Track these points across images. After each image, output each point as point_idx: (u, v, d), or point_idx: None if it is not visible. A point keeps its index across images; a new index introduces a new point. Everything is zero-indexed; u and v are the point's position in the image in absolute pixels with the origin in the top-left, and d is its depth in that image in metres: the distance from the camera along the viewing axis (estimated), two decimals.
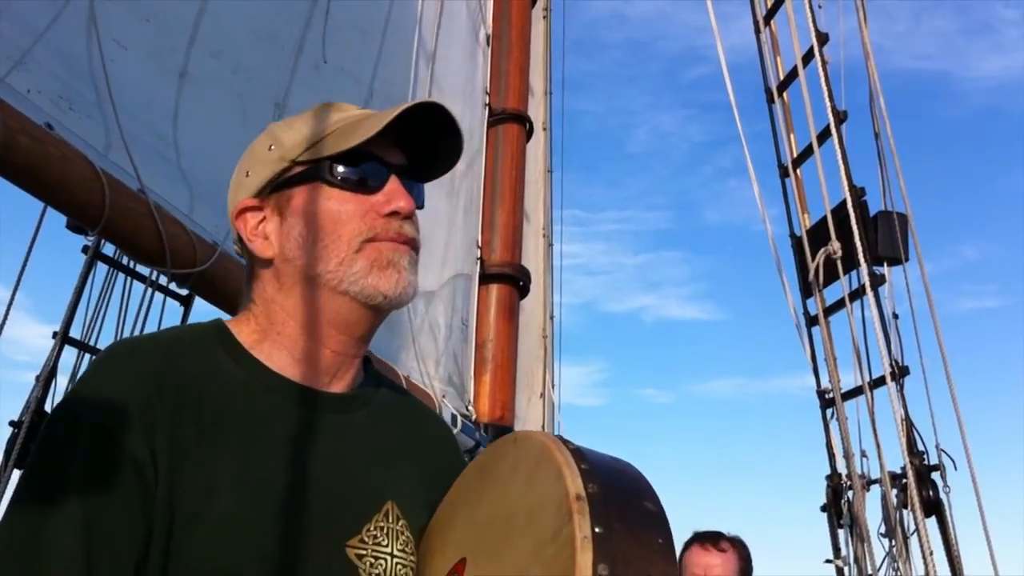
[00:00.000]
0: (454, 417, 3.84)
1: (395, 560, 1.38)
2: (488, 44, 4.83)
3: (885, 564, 4.95)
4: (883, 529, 4.98)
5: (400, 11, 3.90)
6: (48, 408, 4.20)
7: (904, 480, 4.86)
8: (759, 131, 5.85)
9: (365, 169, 1.43)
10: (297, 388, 1.41)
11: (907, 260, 5.18)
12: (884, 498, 4.95)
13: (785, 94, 5.80)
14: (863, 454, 5.09)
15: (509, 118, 4.62)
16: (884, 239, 5.11)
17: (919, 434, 4.96)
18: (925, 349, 5.13)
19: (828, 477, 5.36)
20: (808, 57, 5.42)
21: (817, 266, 5.16)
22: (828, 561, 5.26)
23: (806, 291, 5.48)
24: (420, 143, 1.49)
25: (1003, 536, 5.01)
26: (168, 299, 4.57)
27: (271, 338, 1.43)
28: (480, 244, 4.46)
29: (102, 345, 4.48)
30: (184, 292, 4.39)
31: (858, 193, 5.08)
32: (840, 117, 5.21)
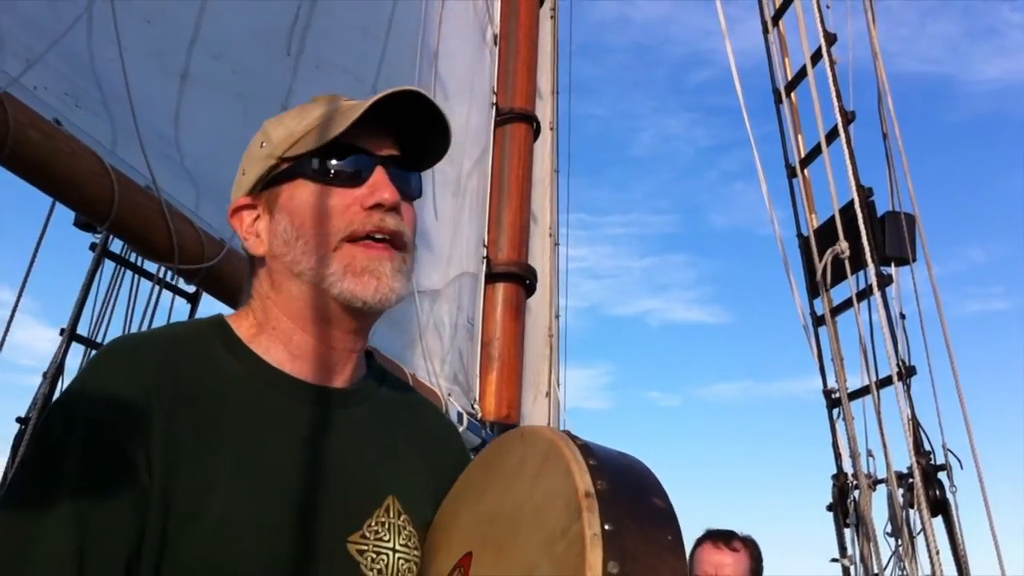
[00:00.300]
0: (460, 415, 3.84)
1: (397, 555, 1.38)
2: (495, 44, 4.83)
3: (891, 563, 4.93)
4: (889, 528, 4.96)
5: (404, 11, 3.90)
6: None
7: (910, 479, 4.84)
8: (765, 133, 5.85)
9: (349, 162, 1.41)
10: (296, 383, 1.41)
11: (915, 260, 5.16)
12: (890, 497, 4.94)
13: (793, 95, 5.79)
14: (869, 454, 5.08)
15: (516, 118, 4.62)
16: (892, 239, 5.10)
17: (925, 434, 4.94)
18: (932, 349, 5.12)
19: (834, 477, 5.34)
20: (816, 57, 5.41)
21: (825, 266, 5.15)
22: (834, 560, 5.25)
23: (813, 291, 5.47)
24: (415, 132, 1.47)
25: (1009, 536, 4.99)
26: (176, 297, 4.60)
27: (267, 333, 1.43)
28: (487, 243, 4.46)
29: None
30: (191, 289, 4.42)
31: (866, 193, 5.07)
32: (848, 117, 5.20)
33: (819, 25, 5.37)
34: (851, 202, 5.11)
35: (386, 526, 1.38)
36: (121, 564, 1.20)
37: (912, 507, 4.84)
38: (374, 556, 1.35)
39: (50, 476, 1.22)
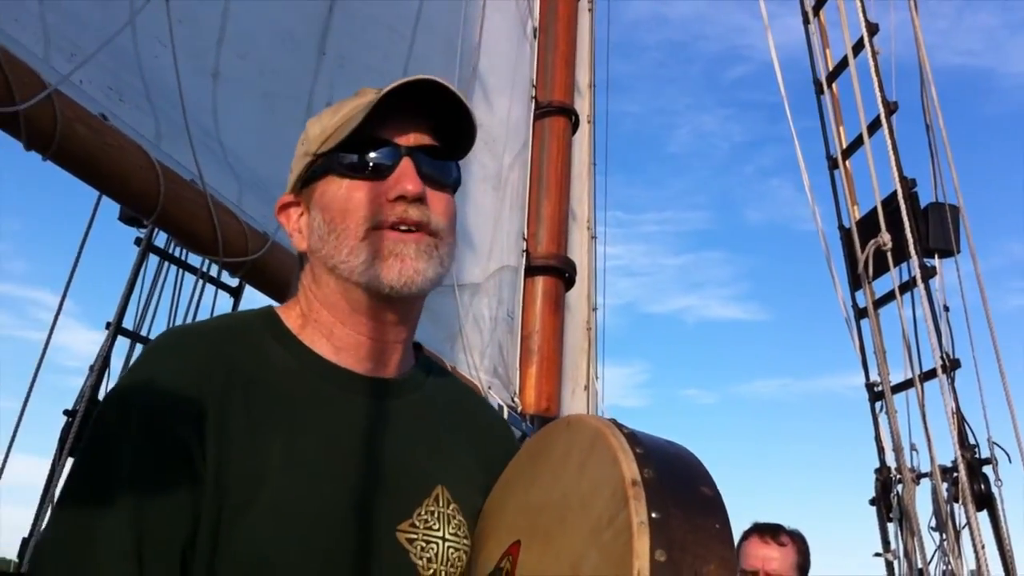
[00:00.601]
0: (500, 408, 3.85)
1: (447, 544, 1.39)
2: (535, 37, 4.83)
3: (936, 558, 4.88)
4: (933, 523, 4.91)
5: (434, 7, 3.88)
6: (101, 397, 4.28)
7: (955, 473, 4.79)
8: (801, 128, 5.78)
9: (376, 154, 1.42)
10: (345, 373, 1.42)
11: (959, 252, 5.10)
12: (935, 492, 4.88)
13: (834, 85, 5.73)
14: (913, 447, 5.02)
15: (555, 111, 4.62)
16: (935, 231, 5.03)
17: (970, 427, 4.88)
18: (976, 342, 5.05)
19: (877, 471, 5.28)
20: (858, 47, 5.35)
21: (867, 257, 5.09)
22: (877, 555, 5.20)
23: (855, 284, 5.41)
24: (450, 122, 1.47)
25: None
26: (219, 290, 4.65)
27: (311, 325, 1.45)
28: (526, 236, 4.46)
29: (154, 335, 4.56)
30: (234, 283, 4.47)
31: (909, 184, 5.01)
32: (891, 108, 5.14)
33: (861, 15, 5.31)
34: (893, 193, 5.05)
35: (435, 515, 1.39)
36: (178, 552, 1.22)
37: (957, 501, 4.79)
38: (423, 545, 1.36)
39: (106, 468, 1.24)
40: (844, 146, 5.61)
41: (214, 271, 4.46)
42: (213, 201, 2.51)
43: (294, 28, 3.09)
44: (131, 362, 4.39)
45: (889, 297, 5.17)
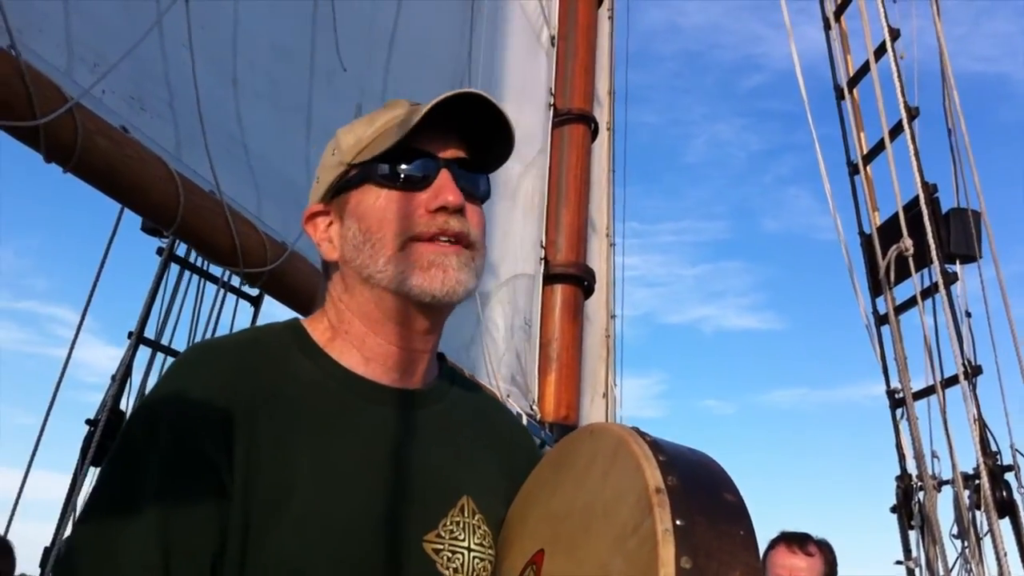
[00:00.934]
0: (519, 416, 3.85)
1: (472, 554, 1.39)
2: (552, 45, 4.83)
3: (957, 566, 4.85)
4: (955, 530, 4.88)
5: (409, 17, 3.83)
6: (123, 407, 4.31)
7: (977, 480, 4.76)
8: (820, 136, 5.76)
9: (415, 165, 1.42)
10: (371, 385, 1.42)
11: (980, 257, 5.07)
12: (956, 499, 4.85)
13: (855, 91, 5.71)
14: (934, 455, 4.99)
15: (575, 119, 4.62)
16: (957, 236, 5.01)
17: (992, 434, 4.85)
18: (998, 348, 5.02)
19: (898, 478, 5.25)
20: (880, 52, 5.33)
21: (888, 263, 5.07)
22: (899, 563, 5.17)
23: (875, 290, 5.39)
24: (481, 134, 1.48)
25: None
26: (239, 300, 4.67)
27: (341, 337, 1.45)
28: (544, 244, 4.46)
29: (175, 345, 4.60)
30: (254, 292, 4.48)
31: (931, 190, 4.99)
32: (912, 113, 5.12)
33: (883, 20, 5.29)
34: (915, 199, 5.03)
35: (461, 525, 1.39)
36: (206, 565, 1.22)
37: (978, 508, 4.76)
38: (449, 555, 1.36)
39: (135, 480, 1.24)
40: (865, 151, 5.59)
41: (235, 281, 4.48)
42: (232, 211, 2.53)
43: (287, 40, 3.10)
44: (153, 372, 4.46)
45: (910, 303, 5.14)
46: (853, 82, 5.71)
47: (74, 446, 4.24)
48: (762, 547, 3.82)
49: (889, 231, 5.21)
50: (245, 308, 4.74)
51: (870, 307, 5.46)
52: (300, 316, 1.55)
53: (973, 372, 4.87)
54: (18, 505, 4.14)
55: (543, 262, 4.45)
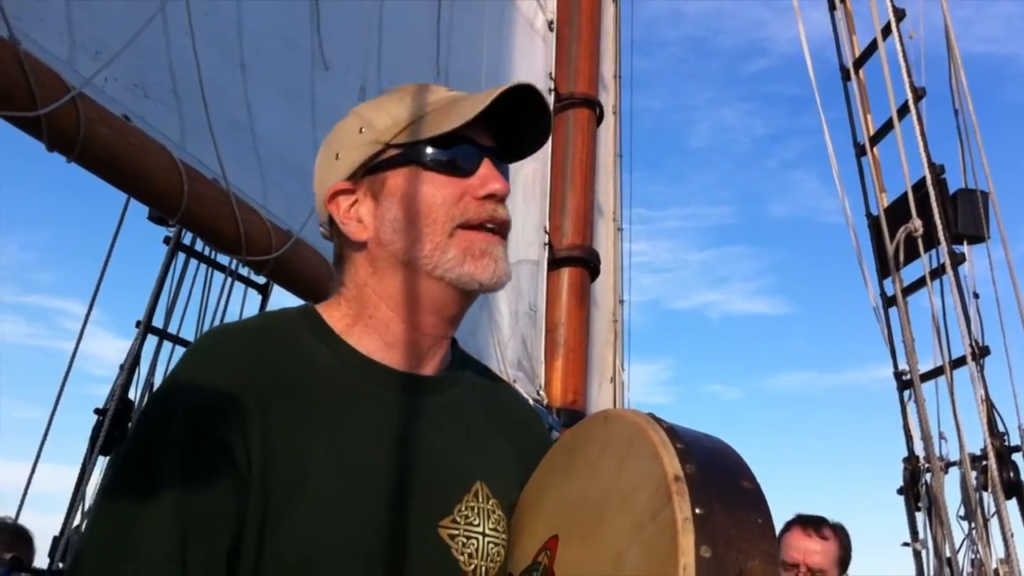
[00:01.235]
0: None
1: (487, 539, 1.39)
2: (550, 30, 4.80)
3: (964, 547, 4.85)
4: (962, 512, 4.87)
5: (396, 10, 3.82)
6: (132, 396, 4.32)
7: (984, 462, 4.75)
8: (826, 119, 5.73)
9: (459, 152, 1.42)
10: (388, 371, 1.42)
11: (989, 238, 5.05)
12: (963, 480, 4.85)
13: (861, 72, 5.68)
14: (941, 436, 4.98)
15: (579, 103, 4.59)
16: (965, 217, 4.98)
17: (1000, 415, 4.84)
18: (1007, 329, 5.00)
19: (905, 460, 5.24)
20: (885, 33, 5.30)
21: (897, 244, 5.05)
22: (906, 544, 5.17)
23: (882, 272, 5.37)
24: (506, 126, 1.47)
25: None
26: (247, 288, 4.67)
27: (363, 322, 1.44)
28: (548, 229, 4.44)
29: (183, 334, 4.60)
30: (262, 281, 4.48)
31: (937, 170, 4.96)
32: (919, 93, 5.09)
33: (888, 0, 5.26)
34: (922, 180, 5.00)
35: (476, 510, 1.39)
36: (223, 552, 1.22)
37: (986, 490, 4.75)
38: (464, 540, 1.36)
39: (151, 468, 1.24)
40: (872, 133, 5.57)
41: (243, 269, 4.48)
42: (236, 199, 2.52)
43: (289, 27, 3.09)
44: (161, 361, 4.47)
45: (918, 285, 5.13)
46: (859, 63, 5.68)
47: (83, 439, 4.26)
48: (777, 528, 3.81)
49: (896, 212, 5.19)
50: (253, 296, 4.75)
51: (878, 289, 5.44)
52: (310, 303, 1.53)
53: (981, 353, 4.85)
54: (27, 496, 4.15)
55: (548, 247, 4.43)
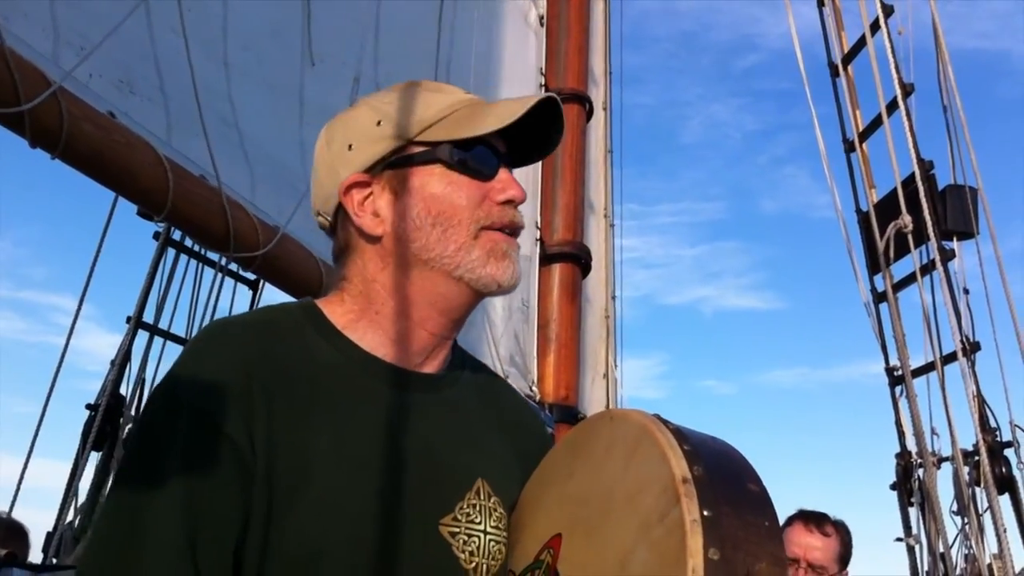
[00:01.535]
0: None
1: (488, 537, 1.38)
2: (541, 25, 4.79)
3: (957, 542, 4.87)
4: (955, 507, 4.89)
5: (396, 7, 3.81)
6: (123, 391, 4.30)
7: (976, 457, 4.77)
8: (818, 114, 5.75)
9: (480, 155, 1.42)
10: (390, 368, 1.41)
11: (978, 234, 5.06)
12: (956, 475, 4.86)
13: (850, 68, 5.69)
14: (933, 431, 5.00)
15: (568, 98, 4.57)
16: (954, 213, 5.00)
17: (991, 410, 4.86)
18: (997, 325, 5.02)
19: (898, 455, 5.26)
20: (873, 29, 5.31)
21: (887, 240, 5.06)
22: (899, 540, 5.18)
23: (873, 268, 5.39)
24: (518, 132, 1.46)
25: None
26: (238, 283, 4.67)
27: (368, 317, 1.43)
28: (540, 225, 4.43)
29: (174, 329, 4.59)
30: (252, 276, 4.47)
31: (926, 166, 4.97)
32: (907, 90, 5.10)
33: None
34: (911, 176, 5.01)
35: (477, 508, 1.39)
36: (230, 546, 1.22)
37: (978, 485, 4.78)
38: (466, 538, 1.35)
39: (157, 463, 1.23)
40: (861, 128, 5.58)
41: (234, 265, 4.47)
42: (224, 196, 2.51)
43: (279, 22, 3.07)
44: (152, 357, 4.45)
45: (908, 281, 5.14)
46: (848, 59, 5.69)
47: (76, 434, 4.24)
48: None
49: (886, 208, 5.20)
50: (243, 292, 4.75)
51: (868, 285, 5.45)
52: (303, 298, 1.53)
53: (972, 349, 4.87)
54: (23, 492, 4.12)
55: (539, 243, 4.42)
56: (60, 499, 4.30)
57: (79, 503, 4.24)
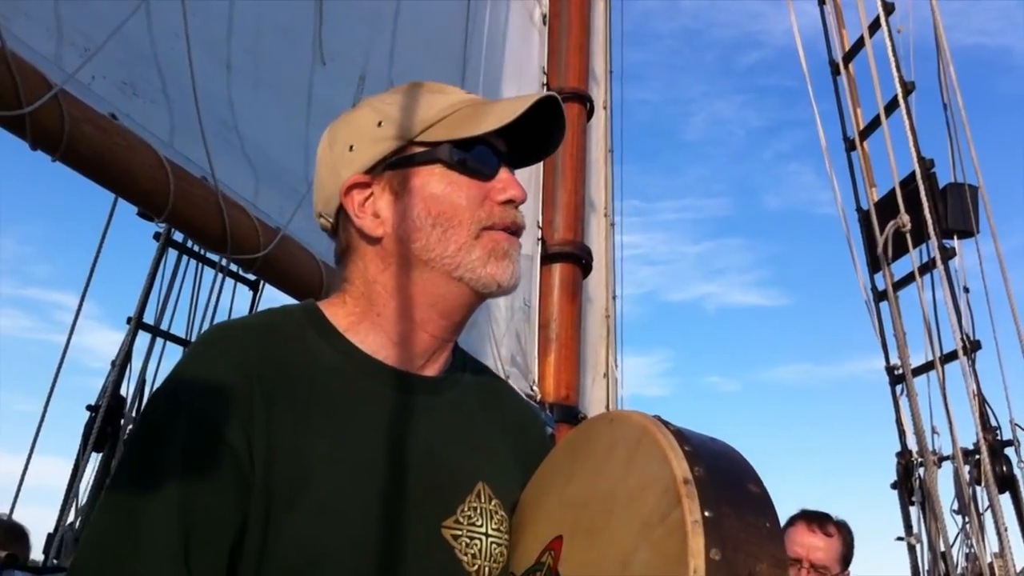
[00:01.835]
0: None
1: (490, 539, 1.38)
2: (544, 23, 4.79)
3: (958, 541, 4.86)
4: (956, 506, 4.89)
5: (413, 6, 3.82)
6: (124, 392, 4.30)
7: (977, 456, 4.77)
8: (821, 111, 5.74)
9: (481, 155, 1.41)
10: (391, 371, 1.41)
11: (978, 232, 5.06)
12: (956, 474, 4.86)
13: (851, 66, 5.69)
14: (934, 430, 4.99)
15: (569, 97, 4.58)
16: (954, 211, 5.00)
17: (992, 409, 4.86)
18: (997, 323, 5.02)
19: (899, 454, 5.26)
20: (873, 27, 5.30)
21: (886, 239, 5.05)
22: (900, 539, 5.18)
23: (873, 266, 5.38)
24: (517, 132, 1.46)
25: None
26: (238, 284, 4.67)
27: (369, 319, 1.42)
28: (541, 224, 4.44)
29: (175, 330, 4.58)
30: (253, 277, 4.48)
31: (927, 165, 4.97)
32: (908, 88, 5.10)
33: None
34: (911, 174, 5.01)
35: (478, 511, 1.38)
36: (226, 549, 1.21)
37: (979, 484, 4.77)
38: (468, 541, 1.35)
39: (155, 464, 1.23)
40: (861, 127, 5.57)
41: (233, 265, 4.48)
42: (223, 198, 2.51)
43: (289, 23, 3.07)
44: (153, 357, 4.45)
45: (908, 279, 5.13)
46: (848, 57, 5.69)
47: (78, 431, 4.25)
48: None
49: (886, 207, 5.20)
50: (244, 292, 4.75)
51: (869, 283, 5.45)
52: (302, 300, 1.53)
53: (972, 347, 4.87)
54: (21, 491, 4.12)
55: (540, 242, 4.43)
56: (61, 498, 4.30)
57: (80, 504, 4.24)
